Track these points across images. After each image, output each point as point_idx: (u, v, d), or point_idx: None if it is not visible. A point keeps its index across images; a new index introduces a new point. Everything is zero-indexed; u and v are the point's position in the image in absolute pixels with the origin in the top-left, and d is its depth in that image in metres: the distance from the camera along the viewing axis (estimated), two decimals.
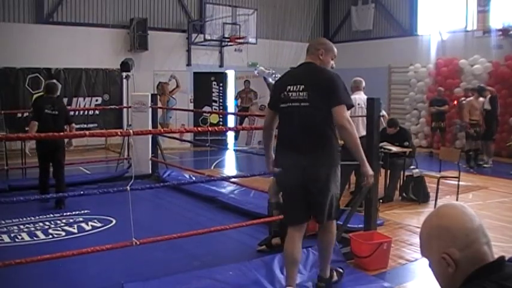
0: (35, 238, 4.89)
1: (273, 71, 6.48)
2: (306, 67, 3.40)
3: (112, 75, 12.00)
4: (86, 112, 11.62)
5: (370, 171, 3.37)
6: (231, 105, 13.40)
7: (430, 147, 12.09)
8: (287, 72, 3.62)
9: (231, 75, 13.64)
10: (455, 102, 11.40)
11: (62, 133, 3.85)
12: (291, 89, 3.30)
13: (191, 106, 12.52)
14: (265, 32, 14.72)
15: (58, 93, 6.50)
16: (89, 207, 5.86)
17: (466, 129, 9.97)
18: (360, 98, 6.16)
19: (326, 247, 3.57)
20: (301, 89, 3.26)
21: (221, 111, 12.93)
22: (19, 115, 10.17)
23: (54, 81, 6.90)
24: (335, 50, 3.49)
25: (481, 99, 9.85)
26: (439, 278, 1.36)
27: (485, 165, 9.80)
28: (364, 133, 5.84)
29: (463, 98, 10.71)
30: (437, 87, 12.12)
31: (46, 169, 6.31)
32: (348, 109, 3.26)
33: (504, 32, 11.46)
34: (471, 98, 9.98)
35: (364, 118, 5.76)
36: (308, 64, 3.41)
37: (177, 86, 12.75)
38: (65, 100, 10.78)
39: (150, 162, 7.98)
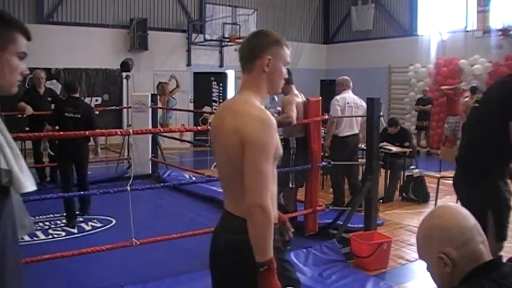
0: (35, 238, 4.89)
1: None
2: None
3: (112, 75, 12.00)
4: None
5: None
6: None
7: (422, 146, 12.13)
8: None
9: (231, 75, 13.61)
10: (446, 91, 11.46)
11: (61, 132, 3.82)
12: None
13: (191, 106, 12.50)
14: None
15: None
16: None
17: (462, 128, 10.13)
18: (349, 96, 6.17)
19: None
20: None
21: None
22: (19, 115, 10.15)
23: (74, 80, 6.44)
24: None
25: None
26: (437, 279, 1.37)
27: None
28: (351, 132, 5.99)
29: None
30: (438, 87, 12.12)
31: (67, 171, 5.56)
32: None
33: (504, 32, 11.45)
34: (467, 98, 10.16)
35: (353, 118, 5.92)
36: None
37: (177, 86, 12.74)
38: None
39: (150, 162, 7.98)
